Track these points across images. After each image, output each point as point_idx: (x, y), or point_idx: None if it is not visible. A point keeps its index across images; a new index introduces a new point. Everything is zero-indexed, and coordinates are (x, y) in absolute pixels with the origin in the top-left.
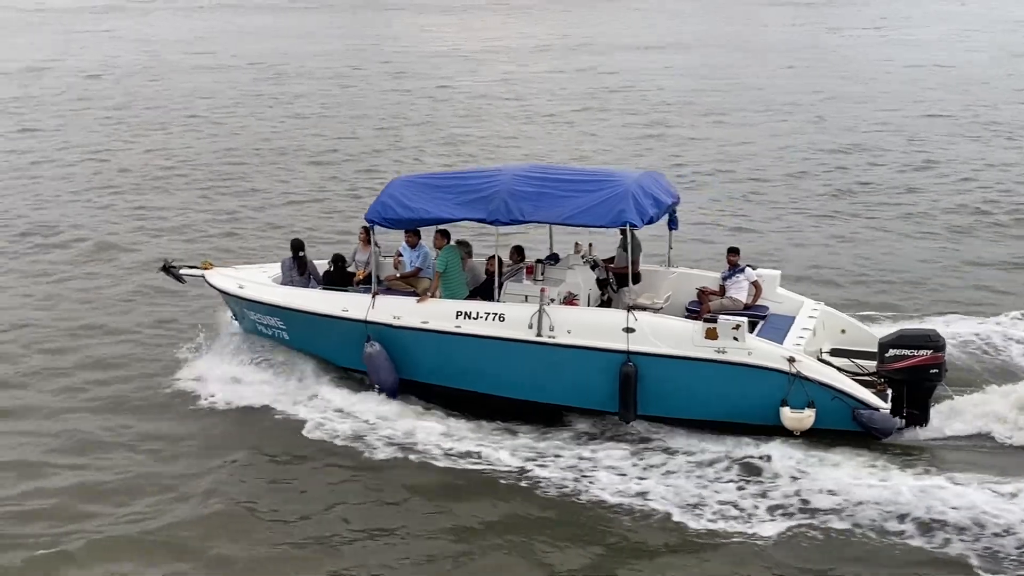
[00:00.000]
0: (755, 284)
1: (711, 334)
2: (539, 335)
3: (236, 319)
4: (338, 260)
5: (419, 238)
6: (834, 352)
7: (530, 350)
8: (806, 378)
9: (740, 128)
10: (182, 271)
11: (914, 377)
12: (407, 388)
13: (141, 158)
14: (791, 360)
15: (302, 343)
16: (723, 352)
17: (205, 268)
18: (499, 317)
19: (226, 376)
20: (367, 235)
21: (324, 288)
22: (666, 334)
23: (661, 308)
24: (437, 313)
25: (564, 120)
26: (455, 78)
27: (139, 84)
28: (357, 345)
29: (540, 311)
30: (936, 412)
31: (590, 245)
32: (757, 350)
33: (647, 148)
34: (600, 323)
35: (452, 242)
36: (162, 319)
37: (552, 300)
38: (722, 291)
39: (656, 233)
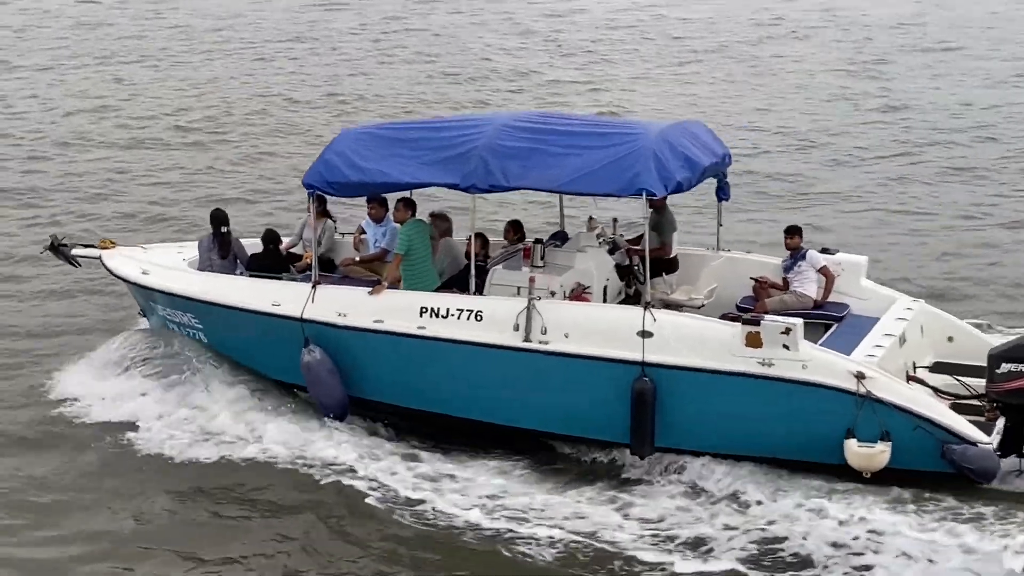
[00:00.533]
0: (824, 272)
1: (753, 340)
2: (527, 339)
3: (144, 315)
4: (271, 238)
5: (386, 210)
6: (936, 367)
7: (515, 360)
8: (879, 400)
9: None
10: (74, 252)
11: None
12: (360, 408)
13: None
14: (859, 376)
15: (224, 347)
16: (769, 364)
17: (104, 248)
18: (476, 315)
19: (105, 393)
20: (318, 205)
21: (251, 275)
22: (695, 340)
23: (702, 306)
24: (396, 309)
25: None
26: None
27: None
28: (292, 351)
29: (529, 307)
30: None
31: (614, 221)
32: (814, 362)
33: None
34: (609, 324)
35: (427, 216)
36: (48, 316)
37: (552, 293)
38: (786, 284)
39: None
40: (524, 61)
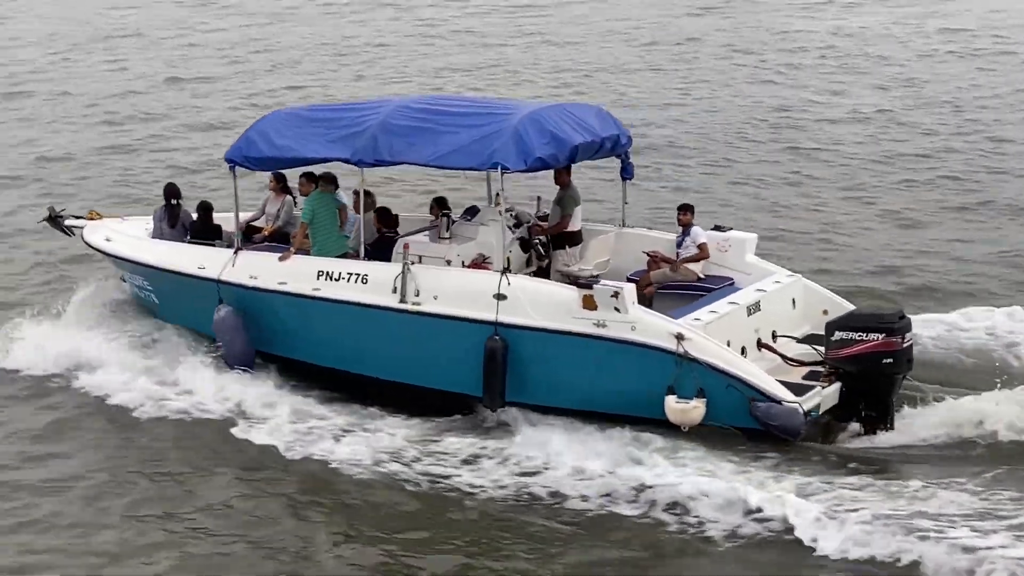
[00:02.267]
0: (700, 247)
1: (588, 303)
2: (403, 301)
3: (125, 281)
4: (203, 208)
5: (280, 183)
6: (809, 338)
7: (390, 319)
8: (695, 360)
9: None
10: (68, 223)
11: (865, 367)
12: (272, 362)
13: None
14: (679, 337)
15: (169, 309)
16: (603, 326)
17: (91, 219)
18: (362, 279)
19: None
20: (277, 183)
21: (191, 242)
22: (542, 303)
23: (595, 276)
24: (298, 273)
25: None
26: None
27: None
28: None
29: (404, 272)
30: (910, 414)
31: (539, 199)
32: (641, 323)
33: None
34: (471, 287)
35: (350, 192)
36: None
37: (448, 262)
38: (677, 258)
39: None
40: None
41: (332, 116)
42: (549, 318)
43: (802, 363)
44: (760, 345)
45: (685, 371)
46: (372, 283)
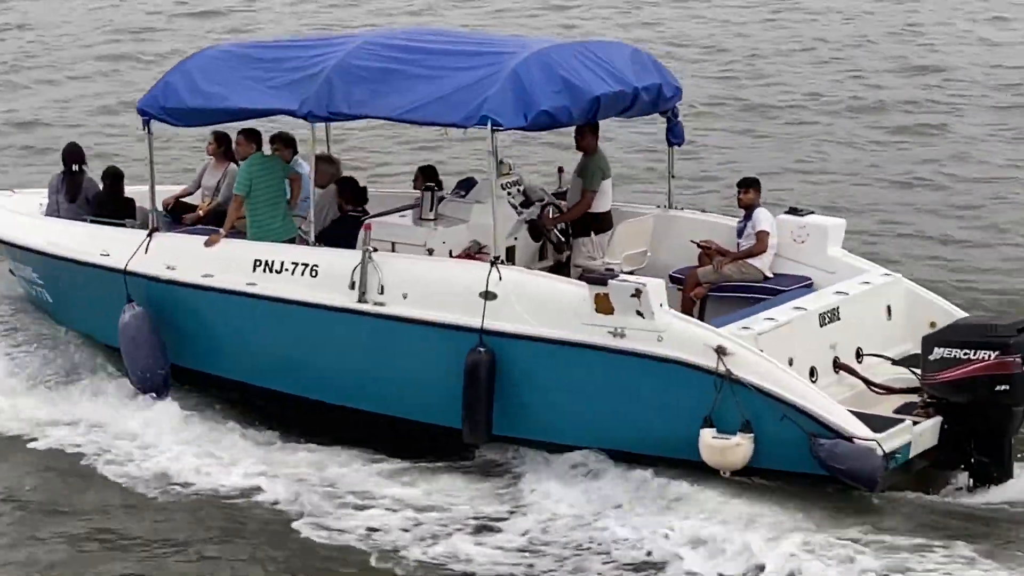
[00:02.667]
0: (759, 235)
1: (602, 304)
2: (361, 300)
3: (13, 274)
4: (110, 175)
5: (223, 147)
6: (907, 360)
7: (344, 323)
8: (740, 382)
9: None
10: None
11: (972, 396)
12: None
13: None
14: (720, 351)
15: (65, 310)
16: (621, 335)
17: None
18: (311, 270)
19: None
20: (218, 146)
21: (92, 220)
22: (543, 304)
23: (610, 270)
24: (228, 261)
25: None
26: None
27: None
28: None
29: (363, 262)
30: None
31: (560, 170)
32: (671, 332)
33: None
34: (451, 283)
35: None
36: None
37: (431, 251)
38: (736, 250)
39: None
40: None
41: (279, 55)
42: (551, 324)
43: (892, 390)
44: (838, 366)
45: (727, 396)
46: (323, 276)
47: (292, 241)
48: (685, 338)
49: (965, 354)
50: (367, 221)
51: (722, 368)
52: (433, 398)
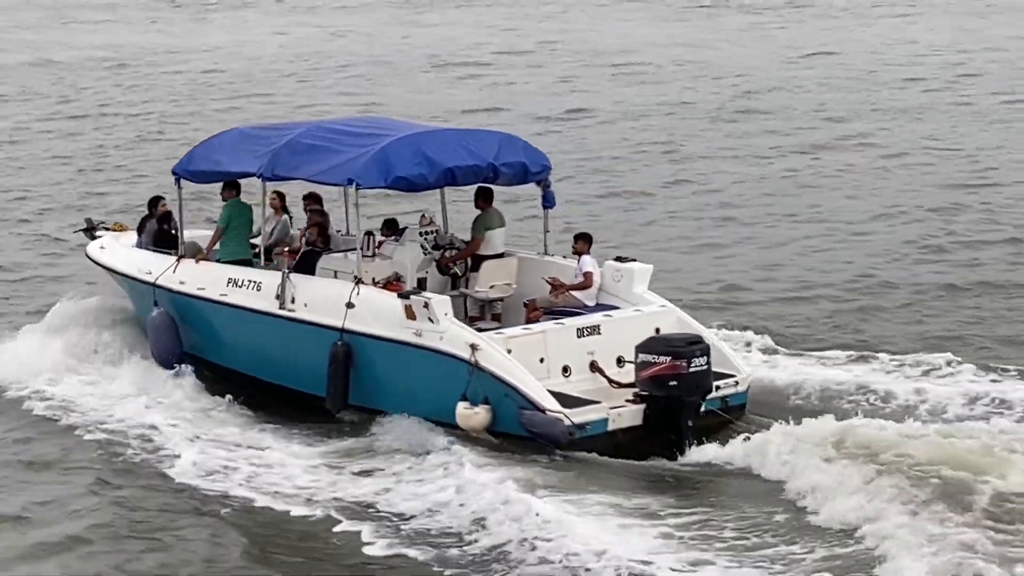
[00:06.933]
0: (585, 275)
1: (408, 312)
2: (282, 307)
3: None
4: (160, 218)
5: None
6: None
7: (267, 323)
8: (482, 369)
9: None
10: (98, 233)
11: (656, 390)
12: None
13: None
14: (473, 347)
15: (136, 309)
16: (420, 335)
17: (117, 231)
18: (257, 286)
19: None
20: (280, 201)
21: (153, 250)
22: (382, 311)
23: (500, 299)
24: (215, 279)
25: None
26: None
27: None
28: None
29: (283, 279)
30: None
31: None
32: (448, 333)
33: None
34: (330, 296)
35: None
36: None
37: (359, 280)
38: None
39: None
40: None
41: (266, 134)
42: (384, 327)
43: (622, 385)
44: (593, 367)
45: (476, 379)
46: (264, 290)
47: (248, 261)
48: (455, 338)
49: (653, 358)
50: (284, 252)
51: (473, 359)
52: (314, 376)
